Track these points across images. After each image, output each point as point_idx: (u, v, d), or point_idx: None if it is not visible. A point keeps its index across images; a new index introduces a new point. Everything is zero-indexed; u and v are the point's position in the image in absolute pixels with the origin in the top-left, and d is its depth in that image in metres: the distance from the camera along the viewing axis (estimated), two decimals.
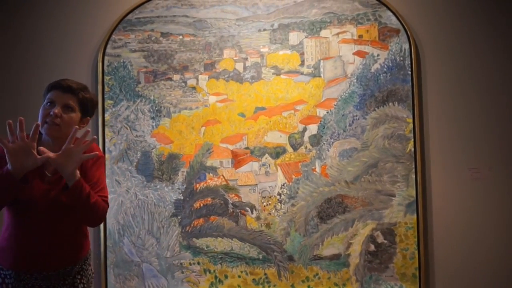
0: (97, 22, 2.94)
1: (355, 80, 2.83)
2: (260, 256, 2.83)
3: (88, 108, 1.81)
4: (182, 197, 2.86)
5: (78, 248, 1.78)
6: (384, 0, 2.83)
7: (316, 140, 2.84)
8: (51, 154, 1.64)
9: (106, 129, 2.87)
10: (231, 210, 2.85)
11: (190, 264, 2.84)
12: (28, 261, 1.63)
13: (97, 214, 1.72)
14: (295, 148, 2.85)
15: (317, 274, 2.81)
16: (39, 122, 1.71)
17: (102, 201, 1.74)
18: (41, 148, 1.67)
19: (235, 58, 2.89)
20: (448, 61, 2.84)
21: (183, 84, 2.89)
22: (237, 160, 2.86)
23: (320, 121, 2.84)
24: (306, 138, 2.84)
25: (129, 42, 2.90)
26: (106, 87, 2.89)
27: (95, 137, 1.90)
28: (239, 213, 2.85)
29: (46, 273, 1.67)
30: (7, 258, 1.64)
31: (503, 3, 2.85)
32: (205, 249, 2.84)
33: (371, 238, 2.79)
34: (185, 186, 2.86)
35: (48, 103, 1.73)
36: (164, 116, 2.88)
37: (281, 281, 2.82)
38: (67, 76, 2.87)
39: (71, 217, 1.72)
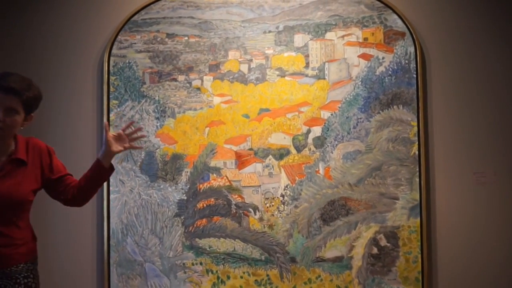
0: (103, 23, 2.96)
1: (360, 83, 2.84)
2: (263, 257, 2.83)
3: (33, 106, 1.75)
4: (185, 197, 2.88)
5: (28, 246, 1.78)
6: (389, 3, 2.84)
7: (320, 142, 2.85)
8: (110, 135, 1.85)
9: (111, 129, 2.89)
10: (234, 211, 2.86)
11: (192, 264, 2.86)
12: None
13: None
14: (298, 150, 2.86)
15: (319, 276, 2.81)
16: None
17: None
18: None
19: (240, 60, 2.90)
20: (453, 65, 2.84)
21: (188, 84, 2.91)
22: (240, 161, 2.88)
23: (324, 123, 2.85)
24: (310, 140, 2.85)
25: (135, 43, 2.93)
26: (111, 87, 2.91)
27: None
28: (242, 214, 2.86)
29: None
30: None
31: (509, 7, 2.85)
32: (208, 249, 2.86)
33: (374, 241, 2.79)
34: (188, 186, 2.88)
35: None
36: (169, 116, 2.90)
37: (283, 283, 2.82)
38: (74, 77, 2.94)
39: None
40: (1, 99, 1.62)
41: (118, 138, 1.88)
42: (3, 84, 1.62)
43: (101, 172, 1.88)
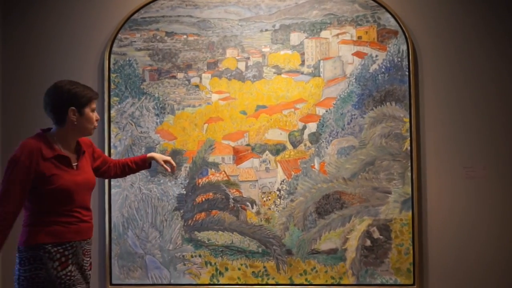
0: (103, 22, 3.01)
1: (354, 80, 2.90)
2: (260, 250, 2.91)
3: None
4: (184, 192, 2.95)
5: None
6: (383, 2, 2.89)
7: (315, 138, 2.91)
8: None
9: (112, 125, 2.95)
10: (232, 205, 2.93)
11: (192, 256, 2.93)
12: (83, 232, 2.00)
13: None
14: (294, 145, 2.92)
15: (314, 267, 2.88)
16: (86, 127, 2.01)
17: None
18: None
19: (237, 58, 2.96)
20: (444, 63, 2.91)
21: (186, 82, 2.97)
22: (238, 156, 2.94)
23: (319, 119, 2.91)
24: (305, 136, 2.92)
25: (135, 41, 2.98)
26: (112, 84, 2.97)
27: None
28: (240, 208, 2.93)
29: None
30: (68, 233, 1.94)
31: (499, 6, 2.90)
32: (207, 242, 2.93)
33: (367, 234, 2.86)
34: (187, 181, 2.95)
35: (92, 112, 2.01)
36: (168, 113, 2.96)
37: (280, 274, 2.90)
38: (75, 74, 2.98)
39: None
40: (94, 104, 2.02)
41: (166, 161, 2.37)
42: (95, 93, 2.04)
43: (144, 168, 2.37)
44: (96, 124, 2.04)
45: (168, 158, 2.38)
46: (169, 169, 2.35)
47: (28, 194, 1.87)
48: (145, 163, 2.35)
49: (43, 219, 1.89)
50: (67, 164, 1.94)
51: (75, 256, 1.92)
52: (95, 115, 2.02)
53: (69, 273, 1.87)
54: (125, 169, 2.32)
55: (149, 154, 2.37)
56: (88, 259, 2.02)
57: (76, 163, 1.99)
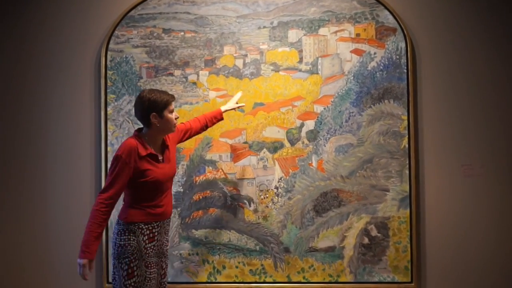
0: (100, 18, 2.99)
1: (352, 78, 2.89)
2: (257, 248, 2.90)
3: None
4: (182, 190, 2.94)
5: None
6: None
7: (313, 135, 2.91)
8: None
9: (109, 123, 2.94)
10: (230, 203, 2.92)
11: (189, 254, 2.92)
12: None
13: None
14: (292, 143, 2.92)
15: (312, 265, 2.88)
16: (170, 127, 2.33)
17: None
18: None
19: (235, 55, 2.95)
20: (443, 61, 2.90)
21: (184, 79, 2.95)
22: (236, 154, 2.93)
23: (317, 117, 2.91)
24: (303, 134, 2.91)
25: (132, 38, 2.96)
26: (108, 81, 2.95)
27: None
28: (237, 206, 2.92)
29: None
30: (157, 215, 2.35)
31: (497, 3, 2.90)
32: (204, 240, 2.92)
33: (365, 232, 2.87)
34: (185, 179, 2.94)
35: (171, 113, 2.32)
36: None
37: (277, 272, 2.89)
38: (72, 71, 2.98)
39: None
40: (171, 105, 2.32)
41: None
42: (172, 96, 2.32)
43: (218, 121, 2.74)
44: (176, 122, 2.35)
45: (236, 99, 2.77)
46: (243, 104, 2.79)
47: (128, 183, 2.25)
48: (221, 117, 2.73)
49: (139, 203, 2.29)
50: (156, 159, 2.31)
51: (159, 234, 2.34)
52: (174, 115, 2.33)
53: (153, 246, 2.29)
54: (206, 126, 2.69)
55: (222, 108, 2.72)
56: (167, 237, 2.42)
57: (162, 157, 2.35)
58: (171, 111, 2.32)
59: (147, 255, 2.27)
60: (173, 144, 2.46)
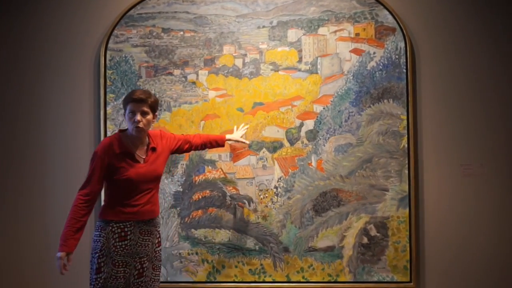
0: (99, 17, 2.99)
1: (352, 77, 2.90)
2: (257, 247, 2.90)
3: (155, 108, 2.37)
4: (181, 189, 2.94)
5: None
6: None
7: (312, 135, 2.91)
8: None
9: (108, 122, 2.93)
10: (229, 202, 2.92)
11: (188, 254, 2.92)
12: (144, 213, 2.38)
13: None
14: (292, 142, 2.92)
15: (311, 265, 2.89)
16: (129, 127, 2.30)
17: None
18: None
19: (234, 54, 2.95)
20: (442, 60, 2.90)
21: (183, 79, 2.95)
22: (235, 153, 2.93)
23: (317, 116, 2.91)
24: (302, 133, 2.91)
25: (131, 37, 2.96)
26: (108, 81, 2.94)
27: None
28: (237, 205, 2.92)
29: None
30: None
31: (496, 3, 2.90)
32: (203, 240, 2.92)
33: (364, 231, 2.87)
34: (184, 178, 2.94)
35: (131, 113, 2.28)
36: (165, 110, 2.95)
37: (277, 272, 2.90)
38: (71, 71, 2.97)
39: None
40: (138, 107, 2.27)
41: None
42: (135, 97, 2.28)
43: (219, 147, 2.74)
44: (136, 124, 2.27)
45: (241, 133, 2.80)
46: (247, 142, 2.81)
47: (106, 180, 2.30)
48: (223, 144, 2.73)
49: (113, 201, 2.31)
50: (133, 159, 2.30)
51: (133, 233, 2.30)
52: (138, 117, 2.27)
53: (124, 245, 2.27)
54: (205, 146, 2.68)
55: (227, 137, 2.74)
56: (150, 238, 2.36)
57: (144, 157, 2.34)
58: (132, 112, 2.28)
59: (115, 253, 2.27)
60: (166, 149, 2.45)
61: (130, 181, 2.28)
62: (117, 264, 2.27)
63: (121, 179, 2.28)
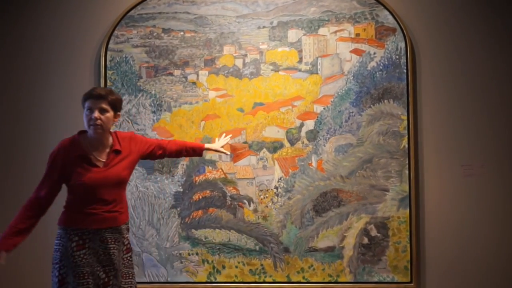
0: (100, 18, 2.99)
1: (352, 78, 2.90)
2: (257, 248, 2.90)
3: (117, 106, 2.21)
4: (181, 190, 2.94)
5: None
6: None
7: (312, 135, 2.91)
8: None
9: None
10: (229, 203, 2.92)
11: (189, 254, 2.92)
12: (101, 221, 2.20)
13: None
14: (292, 143, 2.92)
15: (312, 265, 2.88)
16: (85, 126, 2.15)
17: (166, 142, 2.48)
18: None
19: (234, 55, 2.95)
20: (443, 60, 2.90)
21: (183, 79, 2.95)
22: (235, 154, 2.93)
23: (317, 117, 2.91)
24: (303, 133, 2.91)
25: (131, 38, 2.96)
26: (108, 81, 2.95)
27: None
28: (237, 206, 2.92)
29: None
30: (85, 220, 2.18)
31: (498, 3, 2.90)
32: (204, 240, 2.92)
33: (365, 231, 2.87)
34: (184, 178, 2.94)
35: (88, 110, 2.14)
36: (165, 110, 2.95)
37: (277, 272, 2.89)
38: (71, 71, 2.98)
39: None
40: (95, 103, 2.12)
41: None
42: (93, 93, 2.14)
43: (197, 156, 2.57)
44: (93, 122, 2.12)
45: (222, 143, 2.60)
46: (228, 153, 2.62)
47: (63, 184, 2.17)
48: (200, 152, 2.55)
49: (71, 206, 2.18)
50: (89, 162, 2.15)
51: (92, 241, 2.15)
52: (96, 115, 2.12)
53: (83, 255, 2.12)
54: (181, 153, 2.50)
55: (206, 146, 2.55)
56: (116, 245, 2.18)
57: (104, 161, 2.18)
58: (89, 109, 2.12)
59: (75, 263, 2.10)
60: (134, 152, 2.27)
61: (84, 187, 2.12)
62: (77, 275, 2.10)
63: (75, 184, 2.12)
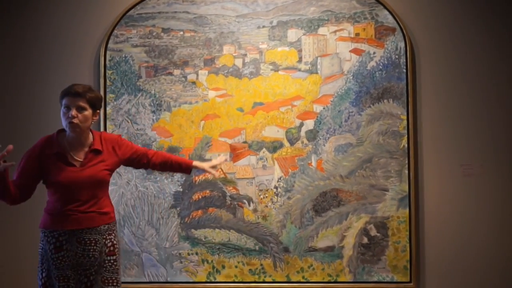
0: (99, 18, 2.99)
1: (351, 77, 2.90)
2: (257, 247, 2.90)
3: (96, 104, 2.15)
4: (181, 189, 2.94)
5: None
6: None
7: (312, 135, 2.91)
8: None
9: (108, 122, 2.93)
10: (229, 202, 2.92)
11: (188, 254, 2.92)
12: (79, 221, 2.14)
13: None
14: (292, 142, 2.92)
15: (311, 265, 2.88)
16: (63, 125, 2.10)
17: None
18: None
19: (234, 54, 2.95)
20: (442, 60, 2.90)
21: (183, 79, 2.95)
22: (235, 153, 2.93)
23: (317, 116, 2.91)
24: (302, 133, 2.91)
25: (131, 37, 2.96)
26: (108, 81, 2.95)
27: None
28: (237, 205, 2.92)
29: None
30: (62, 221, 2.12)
31: (497, 3, 2.90)
32: (203, 240, 2.92)
33: (364, 231, 2.87)
34: (184, 178, 2.93)
35: (65, 108, 2.09)
36: (165, 110, 2.95)
37: (277, 272, 2.90)
38: (71, 71, 2.97)
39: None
40: (73, 101, 2.07)
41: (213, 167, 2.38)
42: (71, 90, 2.09)
43: (185, 172, 2.42)
44: (70, 120, 2.06)
45: (215, 163, 2.37)
46: (216, 174, 2.49)
47: (38, 180, 2.13)
48: (188, 169, 2.37)
49: (49, 208, 2.14)
50: (65, 161, 2.10)
51: (68, 243, 2.09)
52: (73, 113, 2.05)
53: (61, 257, 2.08)
54: (165, 166, 2.35)
55: (194, 163, 2.37)
56: (88, 247, 2.10)
57: (81, 160, 2.12)
58: (67, 107, 2.07)
59: (54, 266, 2.07)
60: (117, 154, 2.20)
61: (60, 186, 2.07)
62: (58, 278, 2.06)
63: (51, 183, 2.09)
